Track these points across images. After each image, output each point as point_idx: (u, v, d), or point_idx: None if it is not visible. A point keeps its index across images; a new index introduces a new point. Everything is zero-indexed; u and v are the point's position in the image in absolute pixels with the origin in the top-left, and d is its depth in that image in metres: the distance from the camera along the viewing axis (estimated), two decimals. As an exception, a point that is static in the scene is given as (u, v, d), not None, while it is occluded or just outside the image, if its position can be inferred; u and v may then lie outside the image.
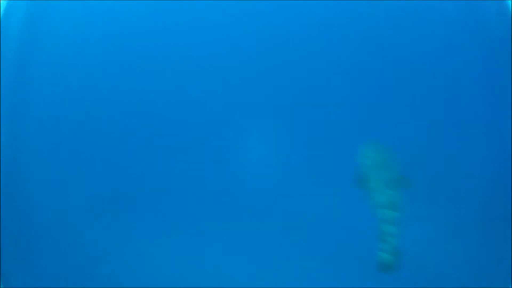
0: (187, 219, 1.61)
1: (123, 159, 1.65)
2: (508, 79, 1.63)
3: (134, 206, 1.61)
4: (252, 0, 1.73)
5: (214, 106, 1.68)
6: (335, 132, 1.67)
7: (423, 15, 1.74)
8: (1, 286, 1.52)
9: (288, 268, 1.57)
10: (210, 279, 1.56)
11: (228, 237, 1.59)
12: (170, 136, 1.67)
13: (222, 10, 1.73)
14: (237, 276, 1.56)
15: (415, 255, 1.56)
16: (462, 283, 1.53)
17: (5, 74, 1.64)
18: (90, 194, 1.62)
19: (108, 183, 1.63)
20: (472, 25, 1.71)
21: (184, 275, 1.56)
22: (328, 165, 1.64)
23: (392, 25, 1.73)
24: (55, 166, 1.63)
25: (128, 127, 1.67)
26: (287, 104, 1.68)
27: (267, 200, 1.61)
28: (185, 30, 1.74)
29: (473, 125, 1.64)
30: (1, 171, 1.59)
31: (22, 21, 1.70)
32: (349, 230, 1.59)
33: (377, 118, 1.67)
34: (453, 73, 1.69)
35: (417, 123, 1.66)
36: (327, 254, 1.57)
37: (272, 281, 1.55)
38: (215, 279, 1.56)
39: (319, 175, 1.62)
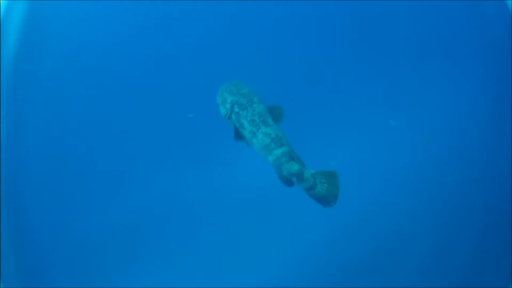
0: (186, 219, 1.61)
1: (124, 158, 1.65)
2: (508, 79, 1.63)
3: (133, 206, 1.62)
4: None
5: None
6: (334, 134, 1.67)
7: (423, 15, 1.74)
8: (1, 286, 1.52)
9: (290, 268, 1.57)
10: (209, 279, 1.56)
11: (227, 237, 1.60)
12: (170, 136, 1.67)
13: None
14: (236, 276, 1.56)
15: (416, 255, 1.56)
16: (462, 283, 1.53)
17: (5, 74, 1.64)
18: (89, 193, 1.62)
19: (108, 181, 1.63)
20: (472, 25, 1.71)
21: (184, 275, 1.56)
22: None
23: (392, 25, 1.73)
24: (55, 166, 1.63)
25: (129, 126, 1.67)
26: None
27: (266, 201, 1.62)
28: (185, 28, 1.74)
29: (473, 124, 1.64)
30: (1, 171, 1.59)
31: (22, 21, 1.70)
32: (348, 230, 1.59)
33: (376, 118, 1.67)
34: (453, 73, 1.69)
35: (418, 123, 1.66)
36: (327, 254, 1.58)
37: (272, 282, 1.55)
38: (214, 279, 1.56)
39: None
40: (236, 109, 1.39)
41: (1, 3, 1.68)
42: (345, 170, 1.52)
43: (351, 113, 1.68)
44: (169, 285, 1.53)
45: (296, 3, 1.75)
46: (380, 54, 1.72)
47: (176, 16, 1.75)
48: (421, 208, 1.59)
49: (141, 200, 1.61)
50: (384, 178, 1.63)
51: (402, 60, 1.71)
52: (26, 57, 1.68)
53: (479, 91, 1.66)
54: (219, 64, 1.69)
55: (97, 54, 1.72)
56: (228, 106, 1.41)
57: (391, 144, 1.64)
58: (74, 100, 1.68)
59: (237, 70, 1.64)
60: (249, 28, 1.74)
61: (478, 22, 1.71)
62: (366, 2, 1.74)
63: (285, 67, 1.73)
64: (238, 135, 1.41)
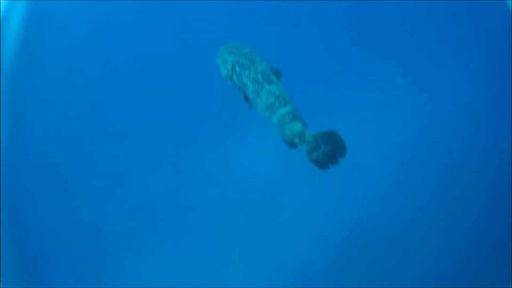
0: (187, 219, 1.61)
1: (124, 159, 1.65)
2: (508, 79, 1.63)
3: (133, 205, 1.61)
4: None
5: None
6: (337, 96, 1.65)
7: (423, 15, 1.74)
8: (1, 286, 1.52)
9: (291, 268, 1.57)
10: (209, 279, 1.56)
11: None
12: (170, 134, 1.67)
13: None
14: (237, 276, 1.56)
15: (415, 255, 1.56)
16: (462, 283, 1.53)
17: (5, 74, 1.64)
18: (89, 191, 1.62)
19: (107, 179, 1.63)
20: (472, 25, 1.71)
21: (184, 275, 1.56)
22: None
23: (393, 25, 1.73)
24: (55, 165, 1.63)
25: (130, 126, 1.67)
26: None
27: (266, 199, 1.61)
28: (185, 27, 1.74)
29: (473, 125, 1.64)
30: (1, 171, 1.59)
31: (22, 21, 1.70)
32: (349, 229, 1.59)
33: (377, 118, 1.67)
34: (453, 73, 1.69)
35: (418, 123, 1.66)
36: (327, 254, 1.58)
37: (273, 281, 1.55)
38: (214, 279, 1.56)
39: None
40: (237, 69, 1.35)
41: (1, 3, 1.68)
42: (350, 133, 1.49)
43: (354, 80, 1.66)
44: (171, 284, 1.54)
45: None
46: (377, 53, 1.71)
47: (176, 12, 1.75)
48: (420, 208, 1.59)
49: (142, 198, 1.61)
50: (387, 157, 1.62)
51: (399, 60, 1.70)
52: (26, 57, 1.69)
53: (479, 91, 1.66)
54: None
55: (97, 53, 1.72)
56: (229, 66, 1.37)
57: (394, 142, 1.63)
58: (75, 98, 1.68)
59: (232, 35, 1.60)
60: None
61: (478, 22, 1.71)
62: (364, 3, 1.75)
63: (283, 28, 1.68)
64: (247, 97, 1.37)
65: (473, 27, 1.71)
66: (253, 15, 1.69)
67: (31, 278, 1.56)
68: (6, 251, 1.55)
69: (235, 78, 1.36)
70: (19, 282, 1.55)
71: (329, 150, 1.32)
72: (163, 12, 1.75)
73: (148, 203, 1.60)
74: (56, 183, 1.61)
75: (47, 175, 1.62)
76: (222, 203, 1.59)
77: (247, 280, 1.55)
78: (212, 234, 1.58)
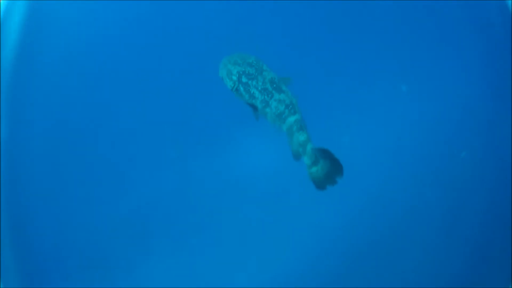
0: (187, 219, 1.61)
1: (126, 159, 1.65)
2: (508, 79, 1.63)
3: (136, 204, 1.61)
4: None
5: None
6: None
7: (423, 15, 1.74)
8: (1, 286, 1.52)
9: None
10: (212, 280, 1.56)
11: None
12: (172, 137, 1.67)
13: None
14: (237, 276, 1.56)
15: (415, 255, 1.56)
16: (462, 283, 1.53)
17: (5, 74, 1.64)
18: (90, 190, 1.62)
19: (110, 181, 1.63)
20: (472, 25, 1.71)
21: (184, 275, 1.56)
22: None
23: (392, 25, 1.73)
24: (56, 167, 1.63)
25: (131, 126, 1.67)
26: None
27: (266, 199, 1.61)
28: (186, 28, 1.74)
29: (473, 125, 1.64)
30: (1, 170, 1.59)
31: (22, 21, 1.70)
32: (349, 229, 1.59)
33: (376, 117, 1.67)
34: (453, 73, 1.69)
35: (418, 124, 1.66)
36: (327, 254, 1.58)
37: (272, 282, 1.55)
38: (217, 280, 1.56)
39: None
40: (244, 79, 1.33)
41: (1, 3, 1.68)
42: (355, 149, 1.52)
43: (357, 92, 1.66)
44: (173, 285, 1.54)
45: None
46: (377, 54, 1.71)
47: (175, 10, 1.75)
48: (421, 209, 1.59)
49: (143, 199, 1.61)
50: (389, 165, 1.62)
51: (398, 60, 1.70)
52: (26, 57, 1.68)
53: (479, 91, 1.66)
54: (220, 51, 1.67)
55: (98, 54, 1.72)
56: (235, 77, 1.35)
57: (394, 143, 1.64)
58: (76, 99, 1.68)
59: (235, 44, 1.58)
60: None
61: (478, 22, 1.71)
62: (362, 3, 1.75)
63: (288, 37, 1.68)
64: (255, 108, 1.36)
65: (473, 27, 1.71)
66: (257, 23, 1.69)
67: (31, 278, 1.56)
68: (6, 251, 1.55)
69: (241, 89, 1.35)
70: (19, 282, 1.55)
71: (328, 165, 1.33)
72: (164, 12, 1.75)
73: (150, 204, 1.61)
74: (57, 183, 1.61)
75: (48, 175, 1.62)
76: (224, 204, 1.60)
77: (250, 280, 1.55)
78: (214, 234, 1.58)
